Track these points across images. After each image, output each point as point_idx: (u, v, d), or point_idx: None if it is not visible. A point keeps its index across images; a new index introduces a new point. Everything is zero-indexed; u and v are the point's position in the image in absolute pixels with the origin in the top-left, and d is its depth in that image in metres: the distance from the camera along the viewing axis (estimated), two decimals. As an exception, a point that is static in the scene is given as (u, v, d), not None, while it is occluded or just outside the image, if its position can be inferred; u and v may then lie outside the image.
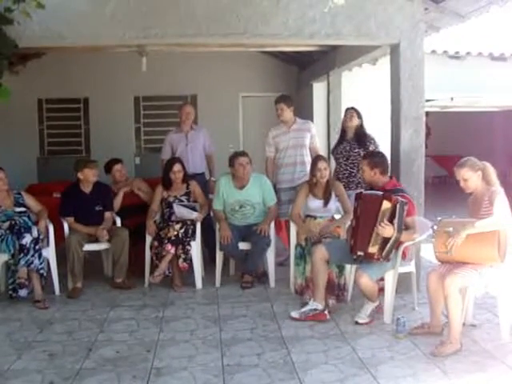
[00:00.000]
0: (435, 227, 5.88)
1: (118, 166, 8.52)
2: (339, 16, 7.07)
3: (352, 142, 8.25)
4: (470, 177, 5.70)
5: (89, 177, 7.80)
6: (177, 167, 8.04)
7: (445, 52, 12.13)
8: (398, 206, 5.98)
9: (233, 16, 7.03)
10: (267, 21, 7.06)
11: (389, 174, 6.63)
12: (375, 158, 6.60)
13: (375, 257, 6.08)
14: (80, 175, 7.80)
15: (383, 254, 6.05)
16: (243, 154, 7.95)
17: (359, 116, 8.29)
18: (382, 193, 6.20)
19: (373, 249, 6.07)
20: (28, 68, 13.10)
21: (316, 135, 8.87)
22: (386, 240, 6.02)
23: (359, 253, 6.18)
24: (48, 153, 14.73)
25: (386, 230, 5.97)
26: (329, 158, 9.93)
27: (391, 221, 5.99)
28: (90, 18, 6.97)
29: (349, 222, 6.87)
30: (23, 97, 13.44)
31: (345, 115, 8.43)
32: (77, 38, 7.08)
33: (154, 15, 7.02)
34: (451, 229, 5.57)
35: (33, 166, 14.37)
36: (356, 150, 8.15)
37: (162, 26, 7.04)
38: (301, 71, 14.22)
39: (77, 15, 6.94)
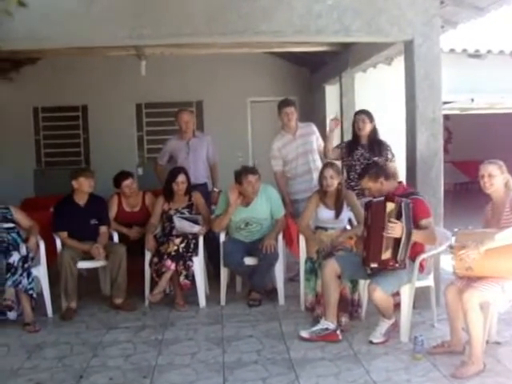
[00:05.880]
0: (453, 241, 5.51)
1: (127, 182, 7.97)
2: (347, 11, 6.75)
3: (368, 149, 7.78)
4: (497, 175, 5.46)
5: (84, 186, 7.44)
6: (181, 178, 7.67)
7: (464, 50, 11.89)
8: (402, 204, 5.72)
9: (232, 13, 6.70)
10: (269, 17, 6.72)
11: (399, 178, 6.47)
12: (371, 170, 6.36)
13: (390, 263, 5.74)
14: (75, 184, 7.43)
15: (398, 257, 5.70)
16: (252, 170, 7.52)
17: (372, 119, 7.82)
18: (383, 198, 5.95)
19: (386, 254, 5.74)
20: (22, 75, 12.90)
21: (320, 137, 8.57)
22: (397, 242, 5.70)
23: (373, 265, 5.85)
24: (45, 164, 14.38)
25: (395, 228, 5.66)
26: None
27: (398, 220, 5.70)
28: (78, 17, 6.65)
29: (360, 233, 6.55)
30: (17, 105, 13.29)
31: (356, 120, 7.97)
32: (64, 39, 6.78)
33: (147, 14, 6.70)
34: (470, 242, 5.22)
35: (29, 178, 13.99)
36: (375, 159, 7.63)
37: (156, 25, 6.72)
38: (312, 73, 13.97)
39: (63, 15, 6.63)
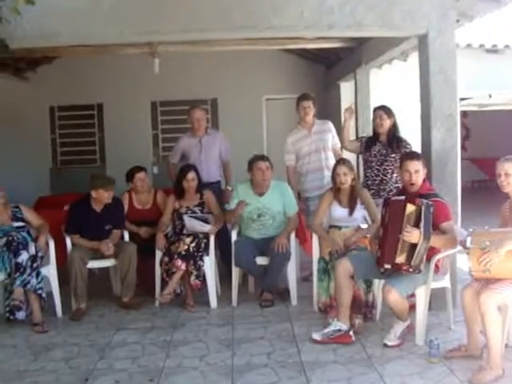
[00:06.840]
0: (468, 241, 5.25)
1: (140, 175, 7.94)
2: (360, 5, 6.61)
3: (386, 145, 7.62)
4: None
5: (102, 198, 7.31)
6: (191, 175, 7.60)
7: (481, 46, 11.60)
8: (422, 208, 5.49)
9: (242, 8, 6.60)
10: (280, 12, 6.60)
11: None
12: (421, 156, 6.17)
13: (404, 267, 5.54)
14: (93, 193, 7.31)
15: (412, 263, 5.50)
16: (263, 158, 7.49)
17: (390, 115, 7.63)
18: (403, 197, 5.77)
19: (400, 258, 5.54)
20: (38, 74, 12.96)
21: (336, 135, 8.40)
22: (413, 246, 5.50)
23: (386, 266, 5.66)
24: (61, 163, 14.39)
25: (412, 235, 5.46)
26: (357, 162, 9.42)
27: (417, 225, 5.48)
28: (86, 14, 6.58)
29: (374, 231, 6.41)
30: (34, 104, 13.29)
31: (374, 116, 7.83)
32: (72, 36, 6.70)
33: (155, 10, 6.61)
34: (487, 243, 5.02)
35: (45, 177, 14.04)
36: (393, 155, 7.52)
37: (165, 21, 6.64)
38: (327, 70, 13.86)
39: (71, 12, 6.55)
